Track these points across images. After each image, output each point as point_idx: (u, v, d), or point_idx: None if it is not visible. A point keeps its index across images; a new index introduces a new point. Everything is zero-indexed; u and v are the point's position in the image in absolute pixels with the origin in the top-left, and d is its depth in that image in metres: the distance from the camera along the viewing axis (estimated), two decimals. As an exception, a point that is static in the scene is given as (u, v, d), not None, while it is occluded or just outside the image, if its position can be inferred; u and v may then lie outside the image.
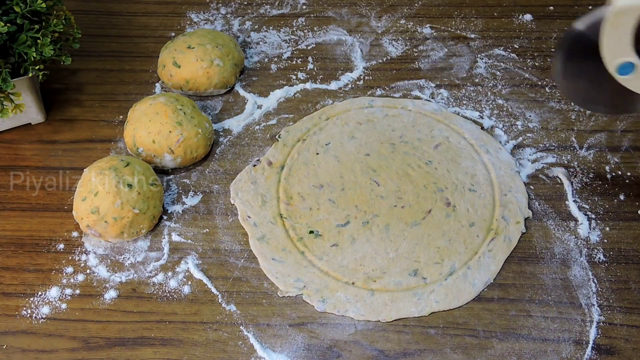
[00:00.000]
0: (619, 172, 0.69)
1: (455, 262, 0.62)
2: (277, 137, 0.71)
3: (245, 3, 0.82)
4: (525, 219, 0.65)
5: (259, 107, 0.74)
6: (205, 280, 0.62)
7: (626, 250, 0.64)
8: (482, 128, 0.72)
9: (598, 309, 0.60)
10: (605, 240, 0.64)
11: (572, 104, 0.72)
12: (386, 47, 0.79)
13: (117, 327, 0.59)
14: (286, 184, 0.67)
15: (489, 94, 0.75)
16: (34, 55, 0.62)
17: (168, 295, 0.61)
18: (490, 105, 0.74)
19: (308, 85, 0.75)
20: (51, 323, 0.59)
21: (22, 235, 0.64)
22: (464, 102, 0.74)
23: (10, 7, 0.62)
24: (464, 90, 0.75)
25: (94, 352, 0.58)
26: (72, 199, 0.65)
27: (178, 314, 0.60)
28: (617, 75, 0.58)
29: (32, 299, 0.61)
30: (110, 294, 0.61)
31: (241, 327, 0.59)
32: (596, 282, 0.62)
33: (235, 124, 0.72)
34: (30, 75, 0.64)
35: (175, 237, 0.64)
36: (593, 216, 0.66)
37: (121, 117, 0.72)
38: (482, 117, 0.73)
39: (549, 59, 0.77)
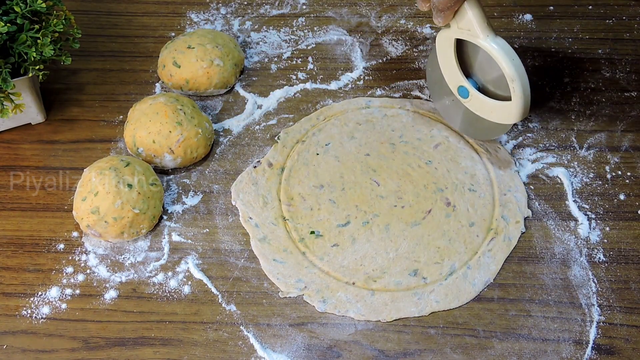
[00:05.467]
0: (619, 172, 0.69)
1: (455, 262, 0.62)
2: (276, 138, 0.71)
3: (245, 3, 0.82)
4: (525, 219, 0.65)
5: (259, 107, 0.74)
6: (205, 280, 0.62)
7: (626, 250, 0.64)
8: (482, 128, 0.72)
9: (598, 308, 0.60)
10: (605, 240, 0.64)
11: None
12: (386, 47, 0.79)
13: (117, 327, 0.59)
14: (287, 185, 0.67)
15: (489, 94, 0.75)
16: (34, 55, 0.62)
17: (168, 295, 0.61)
18: (490, 105, 0.74)
19: (308, 85, 0.75)
20: (51, 323, 0.59)
21: (22, 235, 0.64)
22: (464, 102, 0.74)
23: (10, 7, 0.62)
24: (464, 90, 0.75)
25: (94, 352, 0.58)
26: (72, 199, 0.65)
27: (178, 314, 0.60)
28: (460, 98, 0.66)
29: (32, 299, 0.61)
30: (111, 294, 0.61)
31: (241, 327, 0.59)
32: (596, 282, 0.62)
33: (235, 124, 0.72)
34: (30, 75, 0.64)
35: (175, 237, 0.64)
36: (593, 216, 0.66)
37: (121, 117, 0.72)
38: (482, 117, 0.73)
39: (549, 59, 0.77)
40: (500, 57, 0.60)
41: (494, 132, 0.66)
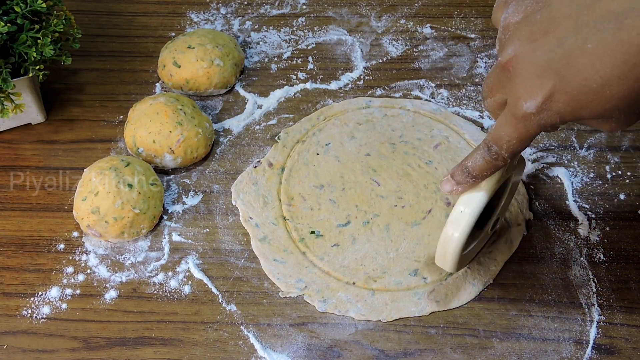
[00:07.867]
0: (619, 172, 0.69)
1: (456, 262, 0.62)
2: (276, 138, 0.71)
3: (245, 3, 0.82)
4: (527, 221, 0.65)
5: (259, 107, 0.74)
6: (205, 280, 0.62)
7: (626, 250, 0.64)
8: (483, 128, 0.72)
9: (598, 308, 0.60)
10: (606, 240, 0.64)
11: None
12: (386, 47, 0.79)
13: (118, 327, 0.59)
14: (287, 185, 0.67)
15: (489, 93, 0.74)
16: (34, 55, 0.62)
17: (168, 295, 0.61)
18: (490, 105, 0.74)
19: (308, 85, 0.75)
20: (52, 323, 0.59)
21: (23, 235, 0.64)
22: (464, 102, 0.74)
23: (10, 7, 0.62)
24: (464, 90, 0.75)
25: (94, 352, 0.58)
26: (73, 199, 0.65)
27: (178, 314, 0.60)
28: None
29: (32, 299, 0.60)
30: (111, 294, 0.61)
31: (241, 327, 0.59)
32: (596, 281, 0.62)
33: (235, 123, 0.72)
34: (30, 75, 0.64)
35: (175, 237, 0.64)
36: (593, 216, 0.66)
37: (121, 117, 0.72)
38: (482, 117, 0.73)
39: (548, 59, 0.77)
40: (461, 203, 0.52)
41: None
